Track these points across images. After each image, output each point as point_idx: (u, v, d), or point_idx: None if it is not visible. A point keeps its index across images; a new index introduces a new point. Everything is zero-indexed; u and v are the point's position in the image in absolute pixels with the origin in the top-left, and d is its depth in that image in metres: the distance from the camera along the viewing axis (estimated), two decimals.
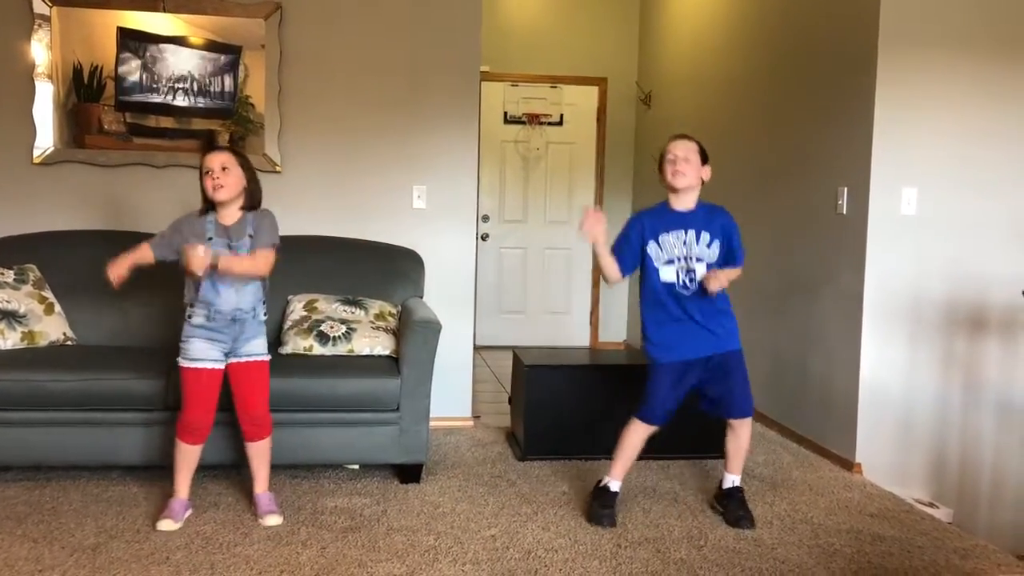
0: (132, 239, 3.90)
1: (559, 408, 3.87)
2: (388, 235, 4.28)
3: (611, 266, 3.07)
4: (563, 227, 7.03)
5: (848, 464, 3.84)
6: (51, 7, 4.03)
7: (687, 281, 3.02)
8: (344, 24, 4.26)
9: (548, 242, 7.02)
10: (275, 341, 3.67)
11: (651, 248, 3.05)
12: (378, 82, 4.30)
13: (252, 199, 2.99)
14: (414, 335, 3.39)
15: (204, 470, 3.20)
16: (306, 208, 4.26)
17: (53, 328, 3.61)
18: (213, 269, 2.84)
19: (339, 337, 3.58)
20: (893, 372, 3.85)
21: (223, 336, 2.95)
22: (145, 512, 3.07)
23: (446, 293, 4.34)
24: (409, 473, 3.48)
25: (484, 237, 6.87)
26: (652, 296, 3.08)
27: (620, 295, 6.92)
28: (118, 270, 2.90)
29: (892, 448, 3.87)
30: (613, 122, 6.98)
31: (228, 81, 4.19)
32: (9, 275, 3.64)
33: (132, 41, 4.11)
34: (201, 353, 2.95)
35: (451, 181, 4.38)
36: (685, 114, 5.92)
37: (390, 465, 3.57)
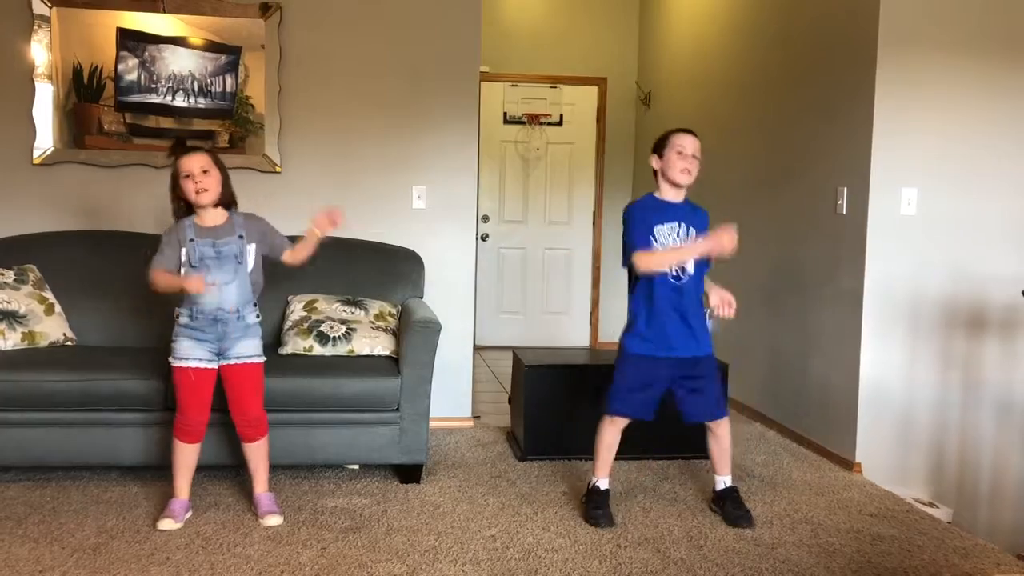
0: (132, 240, 3.95)
1: (559, 408, 3.87)
2: (388, 235, 4.28)
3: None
4: (563, 227, 7.03)
5: (848, 464, 3.84)
6: (51, 8, 4.03)
7: (679, 272, 3.02)
8: (344, 24, 4.26)
9: (548, 242, 7.02)
10: (275, 341, 3.67)
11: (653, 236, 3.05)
12: (378, 82, 4.30)
13: (228, 196, 3.00)
14: (414, 335, 3.40)
15: (204, 470, 3.21)
16: (306, 208, 4.22)
17: (53, 328, 3.61)
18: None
19: (339, 337, 3.58)
20: (893, 372, 3.85)
21: (207, 335, 2.95)
22: (145, 512, 3.07)
23: (446, 293, 4.34)
24: (409, 473, 3.48)
25: (484, 237, 6.87)
26: (644, 288, 3.06)
27: (620, 295, 6.89)
28: (194, 280, 2.85)
29: (892, 448, 3.88)
30: (613, 122, 6.98)
31: (228, 81, 4.19)
32: (9, 275, 3.64)
33: (132, 41, 4.11)
34: (187, 352, 2.95)
35: (451, 181, 4.38)
36: (685, 114, 5.92)
37: (390, 465, 3.58)
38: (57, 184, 4.12)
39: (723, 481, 3.20)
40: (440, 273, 4.33)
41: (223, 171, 2.98)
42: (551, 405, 3.87)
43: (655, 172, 3.10)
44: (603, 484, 3.16)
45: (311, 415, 3.34)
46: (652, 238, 3.02)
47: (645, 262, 2.97)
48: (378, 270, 4.02)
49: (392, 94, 4.31)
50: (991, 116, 3.83)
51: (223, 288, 2.92)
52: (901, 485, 3.79)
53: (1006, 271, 3.84)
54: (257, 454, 3.08)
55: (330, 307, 3.73)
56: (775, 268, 4.58)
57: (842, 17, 4.01)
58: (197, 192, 2.89)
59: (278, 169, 4.25)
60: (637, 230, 3.03)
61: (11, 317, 3.50)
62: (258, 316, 3.06)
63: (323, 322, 3.64)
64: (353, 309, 3.73)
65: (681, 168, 3.00)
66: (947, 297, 3.85)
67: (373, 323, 3.69)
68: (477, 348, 5.56)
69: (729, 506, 3.14)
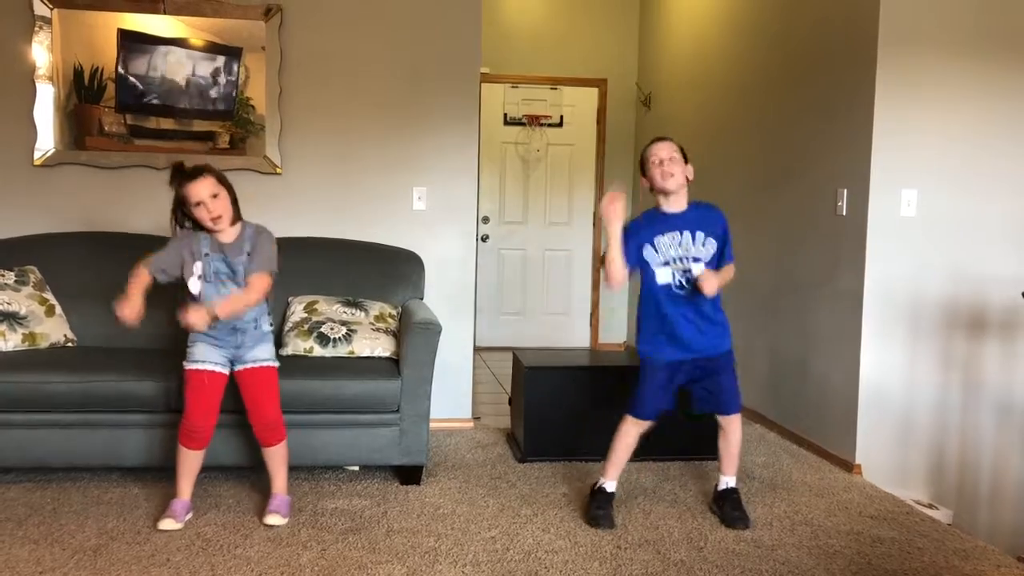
0: (133, 241, 3.94)
1: (559, 409, 3.87)
2: (388, 236, 4.28)
3: (617, 259, 2.94)
4: (563, 228, 7.03)
5: (848, 465, 3.84)
6: (52, 9, 4.04)
7: (683, 282, 3.02)
8: (344, 26, 4.27)
9: (548, 243, 7.02)
10: (275, 343, 3.66)
11: (647, 252, 3.04)
12: (378, 84, 4.30)
13: (236, 210, 2.98)
14: (414, 336, 3.40)
15: (205, 471, 3.20)
16: (306, 210, 4.26)
17: (54, 330, 3.61)
18: (215, 319, 2.85)
19: (339, 339, 3.58)
20: (893, 373, 3.85)
21: (225, 343, 2.97)
22: (146, 514, 3.07)
23: (446, 294, 4.34)
24: (409, 474, 3.48)
25: (484, 238, 6.87)
26: (649, 298, 3.08)
27: (620, 296, 6.92)
28: (132, 307, 2.85)
29: (892, 449, 3.88)
30: (613, 124, 6.99)
31: (229, 83, 4.20)
32: (10, 277, 3.65)
33: (133, 43, 4.11)
34: (203, 355, 2.97)
35: (451, 182, 4.38)
36: (685, 116, 5.93)
37: (390, 467, 3.58)
38: (58, 185, 4.13)
39: (726, 481, 3.20)
40: (440, 274, 4.34)
41: (229, 187, 2.96)
42: (551, 406, 3.87)
43: (652, 191, 3.10)
44: (610, 486, 3.16)
45: (311, 416, 3.34)
46: (652, 248, 3.03)
47: (608, 276, 2.97)
48: (378, 271, 4.03)
49: (393, 95, 4.32)
50: (991, 117, 3.83)
51: None
52: (901, 487, 3.79)
53: (1006, 272, 3.84)
54: (275, 459, 3.08)
55: (330, 308, 3.73)
56: (775, 269, 4.58)
57: (842, 18, 4.01)
58: (213, 220, 2.88)
59: (279, 170, 4.25)
60: (624, 246, 3.01)
61: (12, 318, 3.50)
62: (272, 324, 3.09)
63: (323, 323, 3.64)
64: (353, 310, 3.74)
65: (660, 174, 3.01)
66: (947, 298, 3.85)
67: (373, 324, 3.69)
68: (477, 349, 5.56)
69: (727, 507, 3.14)
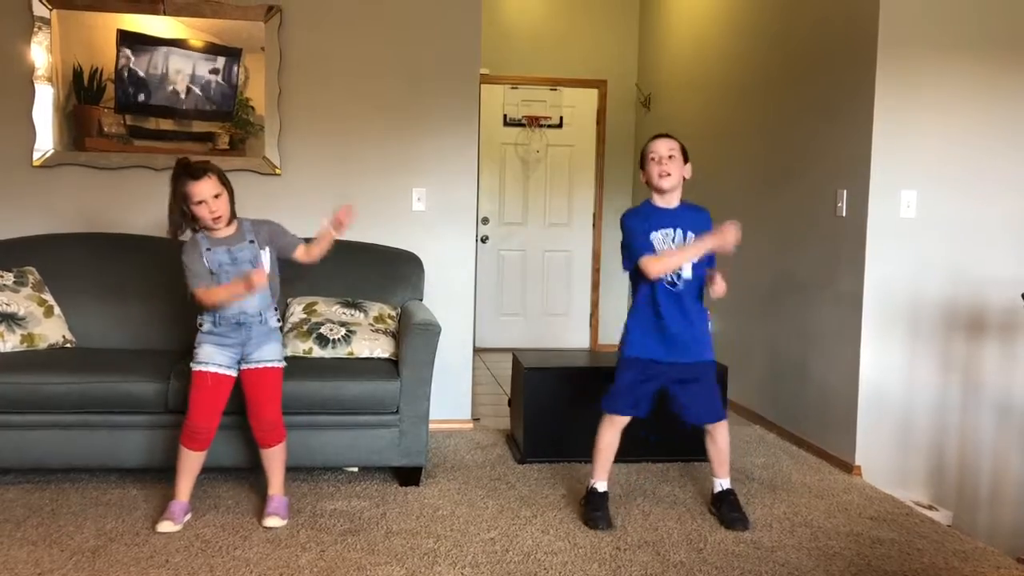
0: (132, 242, 3.95)
1: (559, 411, 3.86)
2: (388, 237, 4.28)
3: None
4: (563, 229, 7.03)
5: (847, 466, 3.84)
6: (51, 10, 4.03)
7: (674, 278, 3.03)
8: (344, 27, 4.27)
9: (548, 244, 7.02)
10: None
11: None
12: (378, 85, 4.30)
13: (233, 207, 3.00)
14: (414, 337, 3.39)
15: (204, 472, 3.19)
16: (306, 210, 4.25)
17: (52, 331, 3.61)
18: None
19: (339, 340, 3.58)
20: (892, 375, 3.85)
21: (231, 341, 2.97)
22: (144, 515, 3.07)
23: (446, 295, 4.34)
24: (408, 476, 3.48)
25: (484, 239, 6.87)
26: (641, 295, 3.08)
27: (619, 297, 6.92)
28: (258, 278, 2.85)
29: (891, 450, 3.87)
30: (613, 125, 6.99)
31: (228, 83, 4.19)
32: (9, 277, 3.64)
33: (132, 43, 4.11)
34: (208, 356, 2.97)
35: (451, 183, 4.38)
36: (685, 117, 5.93)
37: (389, 468, 3.57)
38: (57, 186, 4.12)
39: (720, 484, 3.21)
40: (440, 275, 4.33)
41: (229, 187, 2.97)
42: (551, 407, 3.87)
43: (647, 185, 3.12)
44: (601, 486, 3.16)
45: (310, 417, 3.33)
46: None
47: (655, 267, 2.98)
48: (378, 272, 4.02)
49: (392, 96, 4.31)
50: (991, 118, 3.83)
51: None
52: (901, 488, 3.79)
53: (1006, 273, 3.84)
54: (274, 460, 3.08)
55: (330, 309, 3.73)
56: (775, 270, 4.58)
57: (842, 19, 4.01)
58: (214, 219, 2.90)
59: (278, 171, 4.25)
60: (637, 237, 3.05)
61: (10, 319, 3.50)
62: (279, 319, 3.09)
63: (323, 324, 3.63)
64: (353, 311, 3.73)
65: (658, 173, 3.02)
66: (947, 299, 3.85)
67: (373, 325, 3.69)
68: (477, 350, 5.56)
69: (725, 508, 3.14)
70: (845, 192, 3.93)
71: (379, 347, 3.60)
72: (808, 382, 4.23)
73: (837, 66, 4.03)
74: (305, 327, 3.63)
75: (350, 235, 4.22)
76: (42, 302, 3.65)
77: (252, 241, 2.99)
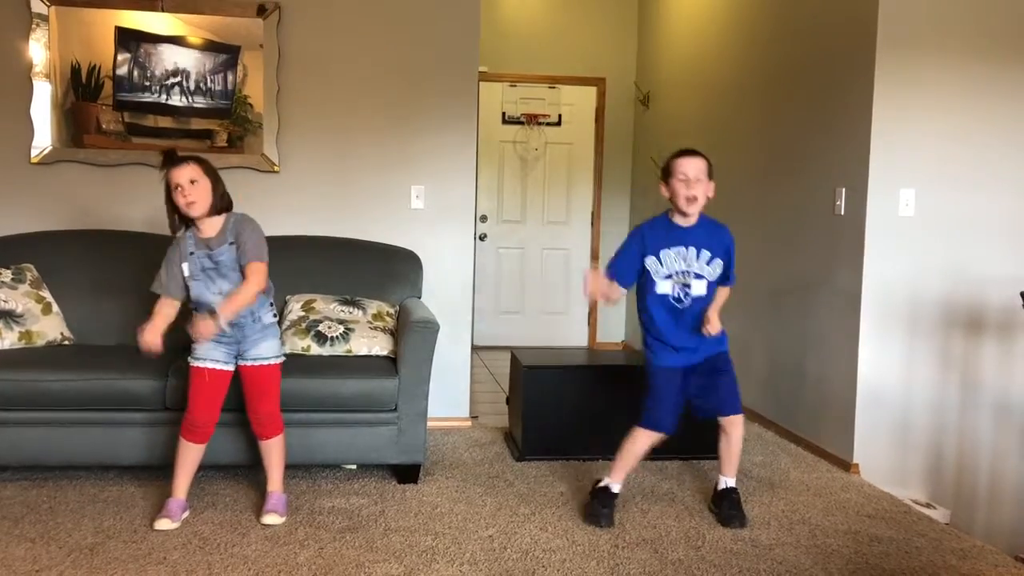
0: (130, 239, 3.94)
1: (557, 408, 3.86)
2: (386, 235, 4.27)
3: (613, 294, 3.08)
4: (561, 227, 7.03)
5: (846, 465, 3.84)
6: (49, 6, 4.03)
7: (681, 295, 3.03)
8: (343, 24, 4.26)
9: (546, 242, 7.02)
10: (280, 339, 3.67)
11: (650, 263, 3.04)
12: (377, 82, 4.30)
13: (222, 202, 2.97)
14: (412, 335, 3.39)
15: (202, 470, 3.20)
16: (304, 208, 4.26)
17: (51, 328, 3.60)
18: (220, 324, 2.86)
19: (337, 337, 3.58)
20: (891, 373, 3.85)
21: (226, 338, 2.96)
22: (143, 512, 3.06)
23: (444, 293, 4.34)
24: (407, 473, 3.48)
25: (482, 237, 6.87)
26: (649, 308, 3.09)
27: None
28: (154, 340, 2.86)
29: (890, 449, 3.88)
30: (611, 123, 6.98)
31: (227, 81, 4.19)
32: (7, 275, 3.64)
33: (130, 40, 4.11)
34: (205, 352, 2.96)
35: (449, 181, 4.38)
36: (683, 115, 5.93)
37: (388, 465, 3.57)
38: (55, 183, 4.12)
39: (726, 481, 3.20)
40: (438, 273, 4.33)
41: (214, 179, 2.94)
42: (549, 405, 3.86)
43: (669, 199, 3.08)
44: (616, 487, 3.15)
45: (309, 415, 3.33)
46: (658, 261, 3.03)
47: (586, 284, 3.11)
48: (376, 270, 4.02)
49: (391, 94, 4.31)
50: (990, 117, 3.83)
51: (229, 295, 2.92)
52: (899, 486, 3.79)
53: (1004, 272, 3.84)
54: (269, 452, 3.08)
55: (328, 307, 3.73)
56: (773, 269, 4.58)
57: (841, 18, 4.01)
58: (187, 205, 2.88)
59: (276, 168, 4.24)
60: (619, 255, 3.10)
61: (8, 316, 3.49)
62: (275, 315, 3.07)
63: (321, 322, 3.63)
64: (351, 309, 3.73)
65: (685, 196, 2.96)
66: (945, 298, 3.85)
67: (371, 323, 3.68)
68: (475, 348, 5.56)
69: (725, 506, 3.15)
70: (844, 190, 3.93)
71: (377, 345, 3.60)
72: (806, 380, 4.23)
73: (836, 64, 4.03)
74: (303, 324, 3.63)
75: (348, 232, 4.25)
76: (40, 299, 3.64)
77: (232, 243, 2.95)
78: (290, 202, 4.22)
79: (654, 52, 6.61)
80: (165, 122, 4.16)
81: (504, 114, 6.92)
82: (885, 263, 3.80)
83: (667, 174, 3.03)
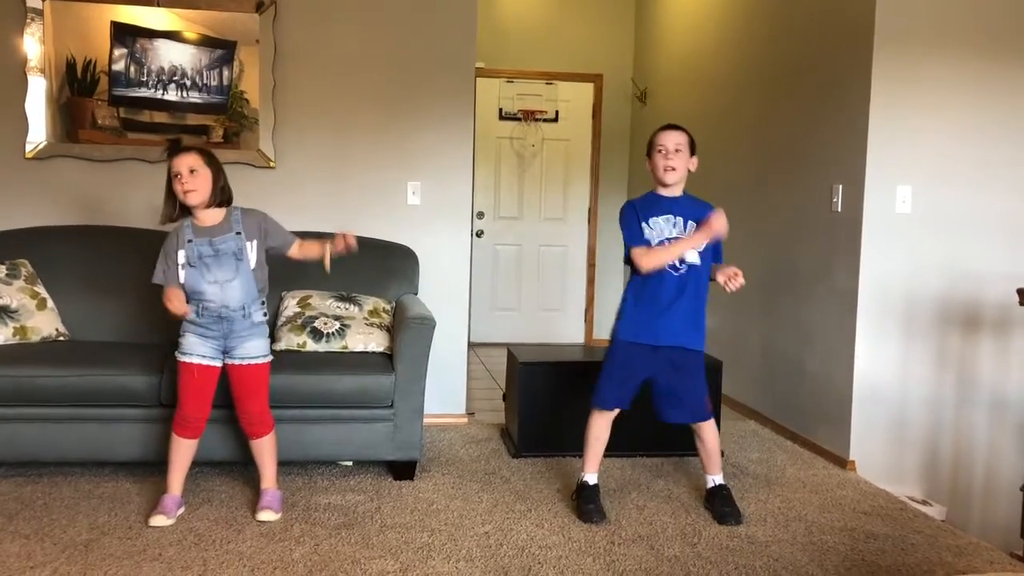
0: (125, 235, 3.93)
1: (553, 405, 3.86)
2: (382, 231, 4.26)
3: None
4: (558, 224, 7.02)
5: (842, 462, 3.85)
6: (44, 1, 4.01)
7: (677, 262, 3.02)
8: (339, 19, 4.25)
9: (543, 239, 7.01)
10: (269, 338, 3.66)
11: (645, 230, 3.05)
12: (373, 78, 4.29)
13: (223, 195, 2.97)
14: (408, 332, 3.39)
15: (197, 466, 3.19)
16: (300, 204, 4.24)
17: (45, 324, 3.59)
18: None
19: (333, 334, 3.57)
20: (887, 370, 3.85)
21: (213, 332, 2.94)
22: (138, 508, 3.06)
23: (440, 290, 4.33)
24: (403, 470, 3.47)
25: (479, 234, 6.86)
26: (640, 278, 3.07)
27: (614, 291, 6.90)
28: (181, 305, 2.86)
29: (886, 446, 3.88)
30: (608, 119, 6.98)
31: (222, 76, 4.17)
32: (1, 270, 3.62)
33: (126, 35, 4.09)
34: (192, 348, 2.95)
35: (446, 177, 4.37)
36: (680, 111, 5.92)
37: (384, 462, 3.57)
38: (50, 178, 4.10)
39: (713, 480, 3.21)
40: (435, 269, 4.32)
41: (216, 170, 2.94)
42: (546, 402, 3.86)
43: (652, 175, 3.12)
44: (591, 479, 3.15)
45: (305, 411, 3.33)
46: (648, 228, 3.03)
47: (647, 261, 2.98)
48: (373, 266, 4.01)
49: (387, 90, 4.30)
50: (986, 114, 3.83)
51: (225, 286, 2.91)
52: (895, 483, 3.80)
53: (1001, 269, 3.84)
54: (261, 450, 3.08)
55: (324, 303, 3.72)
56: (770, 265, 4.58)
57: (838, 14, 4.00)
58: (185, 193, 2.87)
59: (272, 164, 4.23)
60: (632, 229, 3.06)
61: (3, 312, 3.48)
62: (265, 314, 3.05)
63: (317, 318, 3.62)
64: (347, 305, 3.72)
65: (663, 167, 3.03)
66: (942, 295, 3.85)
67: (367, 319, 3.68)
68: (472, 345, 5.55)
69: (718, 503, 3.15)
70: (840, 187, 3.93)
71: (373, 341, 3.59)
72: (803, 377, 4.23)
73: (833, 61, 4.03)
74: (299, 321, 3.62)
75: (345, 229, 4.22)
76: (35, 295, 3.63)
77: (239, 233, 2.95)
78: (286, 198, 4.21)
79: (651, 48, 6.60)
80: (161, 118, 4.15)
81: (501, 110, 6.91)
82: (882, 260, 3.80)
83: (650, 149, 3.09)
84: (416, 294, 4.05)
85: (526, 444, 3.85)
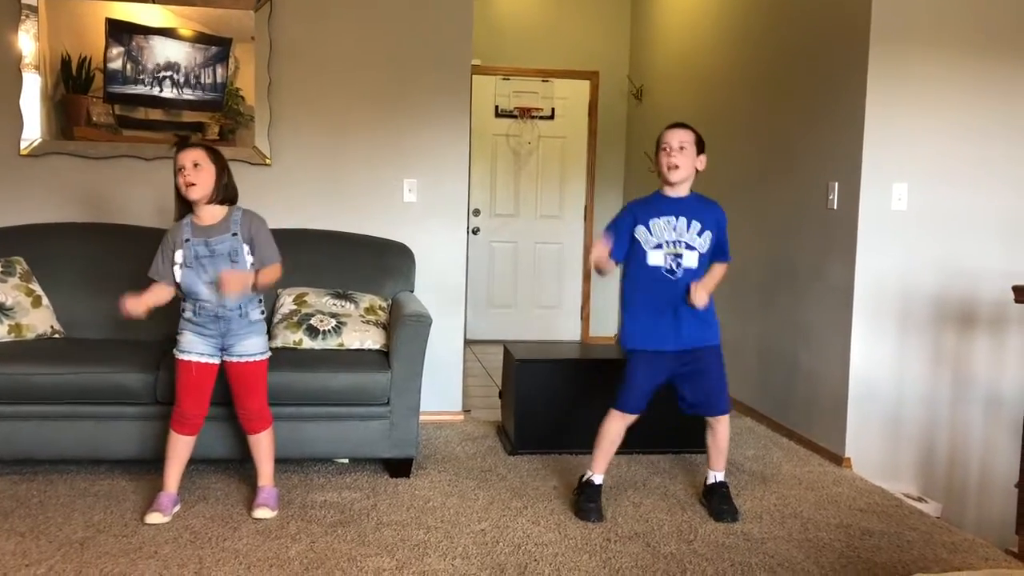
0: (121, 232, 3.92)
1: (550, 402, 3.86)
2: (379, 229, 4.26)
3: (604, 258, 3.02)
4: (554, 221, 7.02)
5: (838, 459, 3.85)
6: None
7: (673, 266, 3.02)
8: (335, 16, 4.24)
9: (539, 236, 7.01)
10: (267, 334, 3.66)
11: (640, 232, 3.04)
12: (369, 75, 4.28)
13: (226, 193, 2.96)
14: (404, 329, 3.38)
15: (193, 464, 3.19)
16: (296, 201, 4.24)
17: (40, 321, 3.58)
18: (253, 288, 2.92)
19: (329, 331, 3.57)
20: (883, 367, 3.86)
21: (210, 332, 2.94)
22: (133, 506, 3.05)
23: (437, 287, 4.33)
24: (399, 467, 3.47)
25: (475, 231, 6.86)
26: (637, 282, 3.08)
27: (611, 289, 6.91)
28: (136, 308, 2.86)
29: (881, 443, 3.89)
30: (604, 116, 6.98)
31: (218, 73, 4.16)
32: None
33: (121, 32, 4.08)
34: (190, 345, 2.95)
35: (442, 175, 4.37)
36: (676, 108, 5.92)
37: (380, 459, 3.57)
38: (45, 175, 4.09)
39: (715, 476, 3.21)
40: (431, 267, 4.32)
41: (220, 167, 2.94)
42: (542, 399, 3.86)
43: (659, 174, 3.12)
44: (598, 479, 3.16)
45: (301, 409, 3.32)
46: (647, 230, 3.03)
47: (592, 251, 3.00)
48: (369, 264, 4.01)
49: (383, 87, 4.29)
50: (982, 112, 3.83)
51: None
52: (891, 480, 3.80)
53: (996, 266, 3.85)
54: (261, 448, 3.07)
55: (320, 301, 3.72)
56: (766, 263, 4.58)
57: (834, 12, 4.00)
58: (186, 186, 2.88)
59: (268, 161, 4.22)
60: (614, 225, 3.09)
61: None
62: (263, 313, 3.04)
63: (313, 316, 3.62)
64: (343, 303, 3.72)
65: (667, 164, 3.02)
66: (937, 292, 3.86)
67: (363, 317, 3.67)
68: (468, 342, 5.55)
69: (716, 500, 3.15)
70: (836, 185, 3.93)
71: (370, 338, 3.59)
72: (799, 374, 4.24)
73: (829, 58, 4.03)
74: (295, 318, 3.61)
75: (341, 226, 4.23)
76: (30, 292, 3.62)
77: (235, 234, 2.94)
78: (282, 195, 4.20)
79: (647, 46, 6.60)
80: (156, 115, 4.14)
81: (497, 108, 6.91)
82: (878, 257, 3.81)
83: (657, 147, 3.08)
84: (412, 291, 4.05)
85: (522, 441, 3.85)
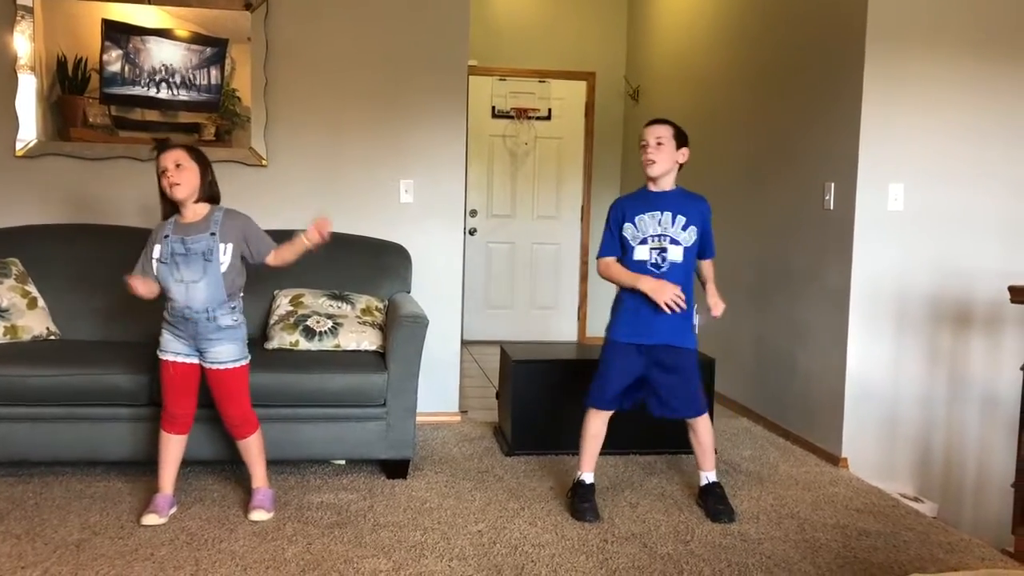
0: (117, 233, 3.92)
1: (546, 403, 3.86)
2: (375, 230, 4.26)
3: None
4: (551, 222, 7.02)
5: (834, 459, 3.85)
6: None
7: (659, 260, 3.03)
8: (331, 17, 4.24)
9: (536, 237, 7.01)
10: (261, 336, 3.66)
11: (627, 230, 3.07)
12: (365, 76, 4.28)
13: (210, 191, 2.96)
14: (401, 330, 3.38)
15: (189, 465, 3.19)
16: (292, 202, 4.23)
17: (36, 322, 3.57)
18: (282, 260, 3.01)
19: (325, 332, 3.56)
20: (879, 367, 3.86)
21: (181, 332, 2.93)
22: (129, 508, 3.05)
23: (433, 288, 4.32)
24: (396, 468, 3.47)
25: (472, 232, 6.85)
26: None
27: (607, 290, 6.90)
28: (140, 286, 2.87)
29: (878, 443, 3.89)
30: (601, 117, 6.98)
31: (214, 74, 4.16)
32: None
33: (117, 33, 4.07)
34: (167, 345, 2.95)
35: (439, 176, 4.36)
36: (673, 109, 5.92)
37: (377, 460, 3.56)
38: (41, 177, 4.09)
39: (706, 477, 3.21)
40: (428, 267, 4.32)
41: (203, 166, 2.93)
42: (539, 400, 3.86)
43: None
44: (588, 478, 3.16)
45: (297, 410, 3.32)
46: (633, 226, 3.06)
47: (604, 273, 3.15)
48: (365, 264, 4.00)
49: (380, 88, 4.29)
50: (978, 112, 3.84)
51: (190, 287, 2.87)
52: (887, 480, 3.81)
53: (992, 266, 3.86)
54: (250, 452, 3.06)
55: (316, 302, 3.71)
56: (762, 263, 4.58)
57: (830, 12, 4.01)
58: (170, 187, 2.87)
59: (264, 162, 4.22)
60: (605, 236, 3.15)
61: None
62: (235, 319, 2.95)
63: (309, 317, 3.62)
64: (340, 304, 3.72)
65: (643, 160, 3.05)
66: (933, 293, 3.87)
67: (360, 318, 3.67)
68: (465, 343, 5.55)
69: (711, 501, 3.15)
70: (833, 185, 3.94)
71: (366, 340, 3.58)
72: (795, 375, 4.24)
73: (826, 59, 4.03)
74: (292, 319, 3.61)
75: (337, 227, 4.20)
76: (25, 294, 3.61)
77: (213, 234, 2.90)
78: (278, 196, 4.20)
79: (644, 46, 6.60)
80: (152, 116, 4.13)
81: (494, 108, 6.90)
82: (874, 258, 3.81)
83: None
84: (409, 292, 4.04)
85: (519, 442, 3.85)
